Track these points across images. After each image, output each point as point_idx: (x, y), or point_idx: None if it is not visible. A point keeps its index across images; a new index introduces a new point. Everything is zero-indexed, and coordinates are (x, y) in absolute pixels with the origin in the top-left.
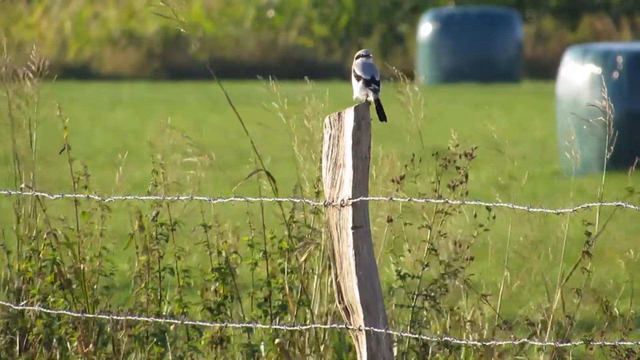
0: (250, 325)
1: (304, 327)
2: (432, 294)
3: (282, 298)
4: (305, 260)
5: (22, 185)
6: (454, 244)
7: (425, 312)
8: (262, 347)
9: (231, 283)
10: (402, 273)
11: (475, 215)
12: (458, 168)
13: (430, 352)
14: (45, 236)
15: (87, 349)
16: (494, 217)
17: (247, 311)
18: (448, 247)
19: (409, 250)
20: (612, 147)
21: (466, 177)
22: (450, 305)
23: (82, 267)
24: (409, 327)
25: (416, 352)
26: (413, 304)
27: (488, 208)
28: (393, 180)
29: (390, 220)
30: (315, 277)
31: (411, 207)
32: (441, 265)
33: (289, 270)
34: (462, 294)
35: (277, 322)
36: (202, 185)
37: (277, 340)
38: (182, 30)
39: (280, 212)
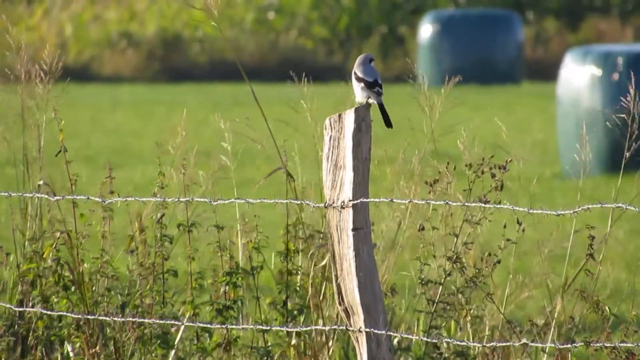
0: (251, 327)
1: (304, 329)
2: (452, 302)
3: (299, 301)
4: (316, 264)
5: (40, 182)
6: (481, 260)
7: (443, 321)
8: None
9: (244, 283)
10: (425, 280)
11: (505, 226)
12: (494, 176)
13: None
14: (58, 235)
15: (93, 350)
16: (523, 230)
17: (253, 313)
18: (473, 257)
19: (434, 256)
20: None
21: (501, 187)
22: (460, 307)
23: (81, 269)
24: (425, 333)
25: (432, 357)
26: (433, 310)
27: (519, 222)
28: (427, 182)
29: (422, 229)
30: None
31: (425, 211)
32: (463, 276)
33: (294, 273)
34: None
35: (288, 325)
36: (218, 184)
37: (293, 342)
38: (214, 24)
39: (283, 213)
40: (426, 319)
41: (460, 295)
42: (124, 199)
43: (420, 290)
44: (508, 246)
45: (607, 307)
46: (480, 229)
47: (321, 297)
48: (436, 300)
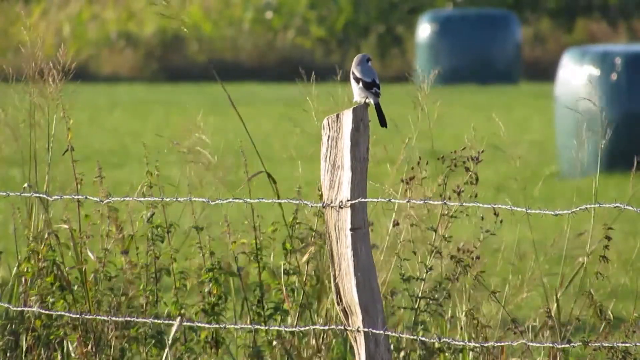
0: (250, 327)
1: (303, 329)
2: (436, 297)
3: (279, 300)
4: (308, 262)
5: (25, 185)
6: (458, 250)
7: (427, 316)
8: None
9: (231, 283)
10: (405, 276)
11: (483, 218)
12: (468, 170)
13: (433, 354)
14: (46, 236)
15: (86, 350)
16: (501, 222)
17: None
18: (453, 251)
19: (414, 253)
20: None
21: (476, 180)
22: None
23: (84, 268)
24: (411, 330)
25: (419, 354)
26: (416, 306)
27: (496, 213)
28: (402, 180)
29: (396, 224)
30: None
31: (417, 210)
32: (445, 267)
33: (291, 272)
34: (467, 295)
35: (279, 324)
36: (202, 186)
37: (274, 343)
38: (184, 29)
39: (280, 213)
40: (410, 316)
41: (441, 291)
42: (122, 199)
43: (402, 286)
44: (487, 237)
45: (609, 312)
46: (465, 226)
47: (318, 297)
48: (419, 296)
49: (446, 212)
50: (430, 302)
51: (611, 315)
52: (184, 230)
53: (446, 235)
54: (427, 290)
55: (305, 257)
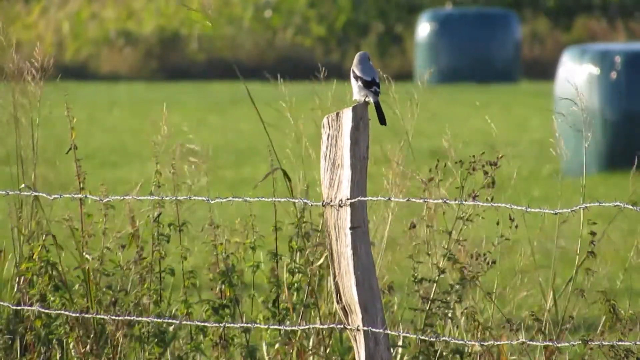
0: (249, 325)
1: (302, 328)
2: (447, 300)
3: (295, 299)
4: (320, 265)
5: (22, 186)
6: (471, 256)
7: (439, 319)
8: (264, 348)
9: (237, 283)
10: (418, 278)
11: (498, 223)
12: (486, 173)
13: (441, 356)
14: (44, 237)
15: (85, 350)
16: (516, 227)
17: (249, 312)
18: (466, 254)
19: (428, 254)
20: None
21: (493, 183)
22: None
23: (86, 267)
24: (420, 331)
25: (427, 355)
26: (427, 308)
27: (511, 218)
28: (422, 181)
29: (413, 227)
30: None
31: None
32: (462, 274)
33: (296, 271)
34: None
35: (281, 323)
36: (203, 185)
37: (277, 346)
38: (209, 23)
39: (291, 211)
40: (420, 317)
41: (453, 294)
42: (121, 198)
43: (414, 288)
44: (502, 242)
45: (622, 311)
46: (475, 227)
47: (318, 295)
48: (430, 298)
49: (462, 215)
50: (441, 304)
51: (623, 314)
52: (193, 229)
53: (460, 239)
54: (439, 292)
55: (322, 259)
